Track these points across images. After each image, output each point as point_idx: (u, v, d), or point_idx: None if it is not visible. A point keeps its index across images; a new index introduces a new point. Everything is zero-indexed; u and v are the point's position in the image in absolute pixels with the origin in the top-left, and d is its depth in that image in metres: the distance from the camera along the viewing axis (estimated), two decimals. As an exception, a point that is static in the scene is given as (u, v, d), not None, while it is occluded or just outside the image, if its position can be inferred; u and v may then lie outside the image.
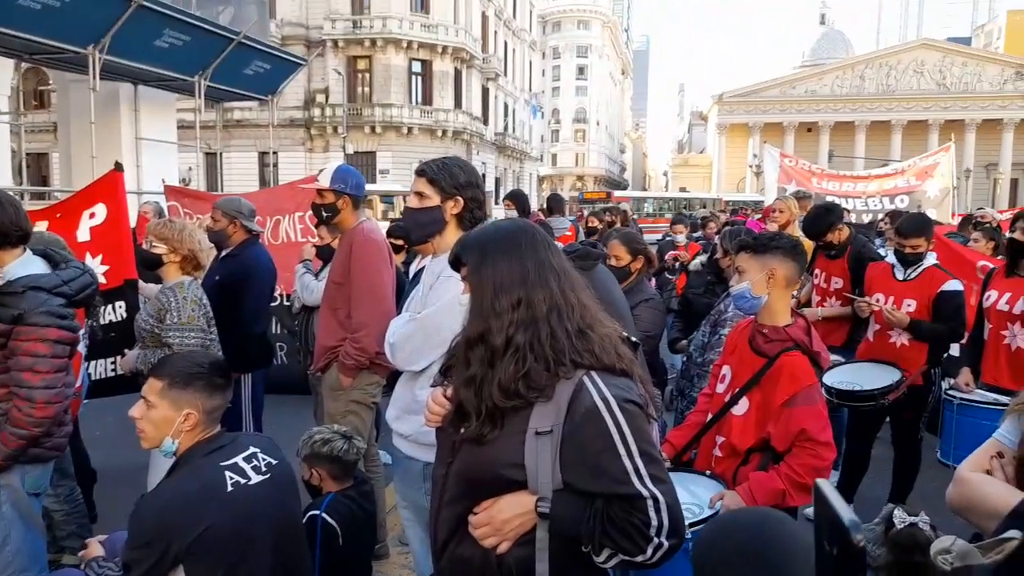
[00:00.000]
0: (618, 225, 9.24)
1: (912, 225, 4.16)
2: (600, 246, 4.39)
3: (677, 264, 6.97)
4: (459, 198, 2.48)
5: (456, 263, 1.68)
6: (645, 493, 1.46)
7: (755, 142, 60.82)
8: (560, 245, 3.79)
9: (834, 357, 4.67)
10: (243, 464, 2.06)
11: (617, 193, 43.71)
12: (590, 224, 8.25)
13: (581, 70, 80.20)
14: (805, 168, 13.82)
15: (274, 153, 26.57)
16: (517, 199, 6.66)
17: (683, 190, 69.50)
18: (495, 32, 47.25)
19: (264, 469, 2.10)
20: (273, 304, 6.01)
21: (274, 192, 8.50)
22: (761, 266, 2.46)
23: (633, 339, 1.79)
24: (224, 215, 4.19)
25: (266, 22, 19.73)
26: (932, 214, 12.36)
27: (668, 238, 8.60)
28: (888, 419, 4.35)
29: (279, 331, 6.73)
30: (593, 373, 1.52)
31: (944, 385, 4.18)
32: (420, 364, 2.31)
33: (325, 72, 37.82)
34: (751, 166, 54.77)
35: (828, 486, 1.36)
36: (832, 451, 2.32)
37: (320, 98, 38.36)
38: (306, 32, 37.97)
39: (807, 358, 2.40)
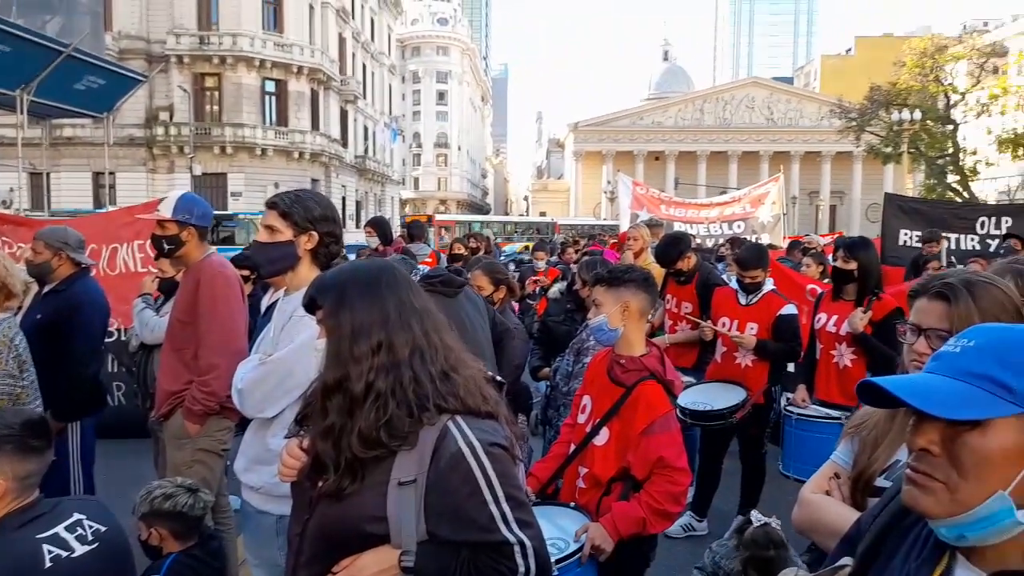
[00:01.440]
0: (481, 252, 9.32)
1: (751, 258, 4.51)
2: (465, 273, 4.39)
3: (538, 290, 7.10)
4: (314, 232, 2.37)
5: (311, 306, 1.59)
6: (512, 539, 1.43)
7: (609, 169, 63.80)
8: (425, 268, 3.73)
9: (686, 379, 4.95)
10: (65, 535, 1.83)
11: (439, 217, 43.34)
12: (454, 250, 8.23)
13: (441, 95, 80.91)
14: (655, 196, 14.71)
15: (111, 174, 24.60)
16: (378, 226, 6.53)
17: (543, 214, 71.51)
18: (353, 54, 46.63)
19: (91, 538, 1.87)
20: (109, 339, 5.51)
21: (111, 217, 7.80)
22: (616, 299, 2.53)
23: (498, 378, 1.77)
24: (47, 247, 3.77)
25: (100, 34, 18.26)
26: (766, 238, 13.47)
27: (528, 264, 8.77)
28: (736, 435, 4.62)
29: (115, 369, 6.16)
30: (458, 418, 1.48)
31: (784, 401, 4.51)
32: (271, 411, 2.16)
33: (169, 89, 35.57)
34: (606, 192, 57.33)
35: None
36: (688, 476, 2.40)
37: (164, 116, 35.99)
38: (147, 46, 35.60)
39: (662, 387, 2.48)
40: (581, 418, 2.67)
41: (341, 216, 3.18)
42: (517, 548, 1.42)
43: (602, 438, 2.52)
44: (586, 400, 2.68)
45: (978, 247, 7.55)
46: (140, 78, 17.50)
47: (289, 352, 2.14)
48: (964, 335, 1.01)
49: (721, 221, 13.60)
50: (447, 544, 1.43)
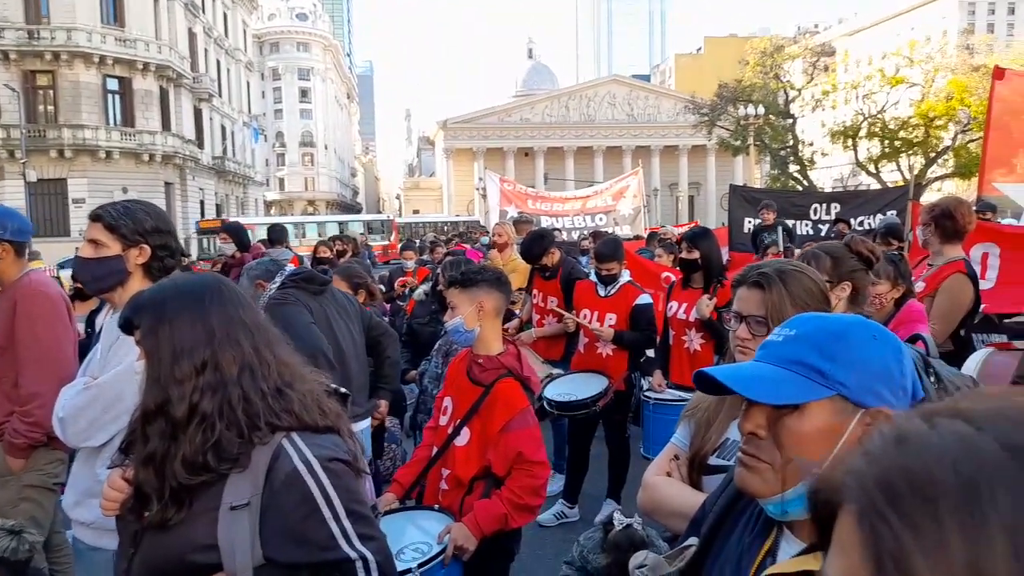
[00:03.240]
0: (349, 255, 9.11)
1: (606, 252, 4.68)
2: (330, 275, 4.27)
3: (406, 290, 7.03)
4: (145, 246, 2.23)
5: (127, 326, 1.48)
6: (353, 555, 1.40)
7: (480, 166, 64.21)
8: (291, 267, 3.59)
9: (555, 371, 5.07)
10: None
11: (244, 220, 37.25)
12: (320, 254, 7.99)
13: (304, 93, 78.23)
14: (522, 191, 15.04)
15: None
16: (233, 232, 6.23)
17: (416, 212, 70.96)
18: (205, 50, 44.13)
19: None
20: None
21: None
22: (470, 300, 2.54)
23: (342, 391, 1.72)
24: None
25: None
26: (628, 230, 14.05)
27: (397, 264, 8.67)
28: (601, 422, 4.79)
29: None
30: (294, 435, 1.43)
31: (645, 385, 4.72)
32: (99, 439, 2.00)
33: (-6, 87, 32.25)
34: (478, 189, 57.76)
35: None
36: (546, 469, 2.45)
37: (-11, 117, 32.62)
38: (-37, 41, 32.10)
39: (519, 383, 2.52)
40: (443, 420, 2.66)
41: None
42: (359, 564, 1.40)
43: (463, 438, 2.53)
44: (447, 402, 2.67)
45: (811, 232, 8.23)
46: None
47: (116, 375, 1.99)
48: (787, 325, 1.09)
49: (584, 214, 14.08)
50: (286, 567, 1.38)
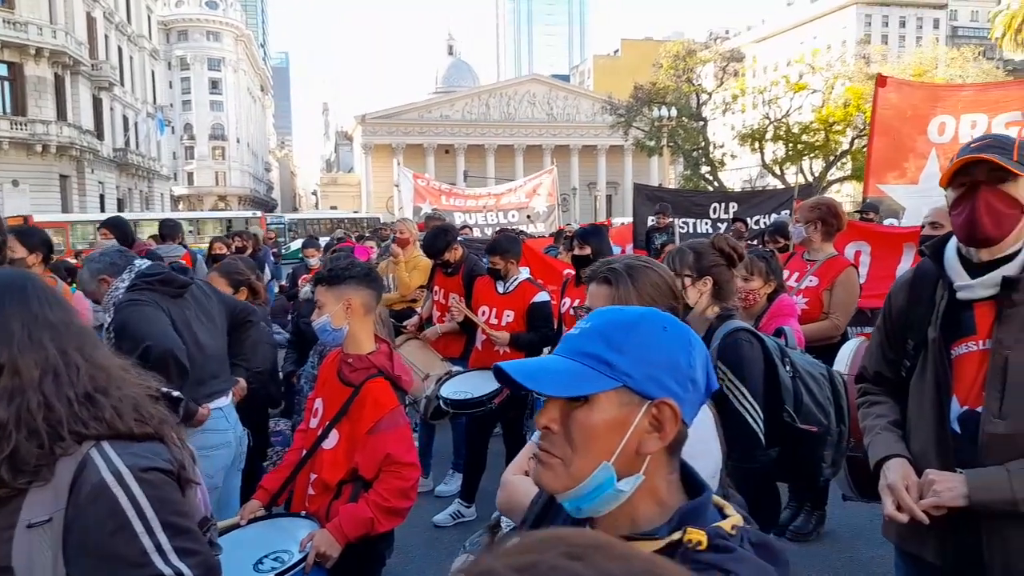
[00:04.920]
0: (249, 251, 8.80)
1: (493, 245, 4.69)
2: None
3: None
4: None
5: None
6: (168, 572, 1.30)
7: (400, 162, 63.41)
8: (143, 263, 3.35)
9: (455, 368, 5.02)
10: None
11: (39, 218, 25.48)
12: (214, 250, 7.67)
13: (215, 83, 75.14)
14: (435, 188, 14.95)
15: None
16: (115, 227, 5.87)
17: (334, 208, 69.47)
18: (105, 36, 41.74)
19: None
20: None
21: None
22: (337, 297, 2.46)
23: (175, 394, 1.62)
24: None
25: None
26: (542, 227, 14.17)
27: (302, 261, 8.42)
28: (499, 419, 4.77)
29: None
30: (104, 444, 1.32)
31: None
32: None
33: None
34: (397, 185, 57.15)
35: None
36: (416, 471, 2.40)
37: None
38: None
39: (389, 383, 2.45)
40: (313, 422, 2.57)
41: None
42: None
43: (331, 441, 2.45)
44: (318, 403, 2.58)
45: (711, 230, 8.49)
46: None
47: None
48: (587, 318, 1.07)
49: (498, 211, 14.12)
50: None
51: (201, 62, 74.08)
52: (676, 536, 0.93)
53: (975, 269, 1.78)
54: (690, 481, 1.05)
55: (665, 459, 1.02)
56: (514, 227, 13.21)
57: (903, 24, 77.16)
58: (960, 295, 1.80)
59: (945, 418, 1.79)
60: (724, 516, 0.99)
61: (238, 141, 78.70)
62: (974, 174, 1.73)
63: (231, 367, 3.36)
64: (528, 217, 13.88)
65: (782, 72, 38.93)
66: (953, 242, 1.85)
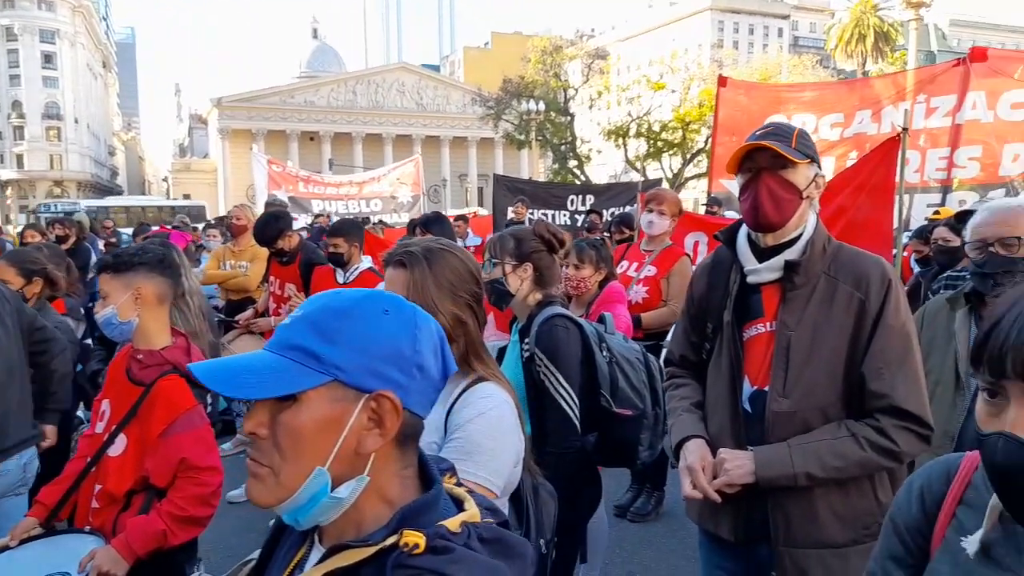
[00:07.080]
0: (72, 241, 8.04)
1: (337, 228, 4.53)
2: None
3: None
4: None
5: None
6: None
7: (261, 148, 60.58)
8: None
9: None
10: None
11: None
12: (27, 239, 6.90)
13: (48, 58, 68.26)
14: (292, 174, 14.34)
15: None
16: None
17: (187, 196, 65.28)
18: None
19: None
20: None
21: None
22: (125, 286, 2.21)
23: None
24: None
25: None
26: (406, 217, 13.97)
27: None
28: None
29: None
30: None
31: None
32: None
33: None
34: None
35: None
36: (217, 475, 2.20)
37: None
38: None
39: (185, 380, 2.24)
40: (99, 427, 2.30)
41: None
42: None
43: (118, 447, 2.20)
44: (105, 405, 2.31)
45: (568, 222, 8.66)
46: None
47: None
48: (300, 306, 0.96)
49: (360, 199, 13.77)
50: None
51: (32, 33, 67.12)
52: (392, 540, 0.84)
53: (762, 254, 1.85)
54: (425, 475, 0.97)
55: (395, 455, 0.92)
56: (376, 216, 12.91)
57: (752, 31, 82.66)
58: (749, 279, 1.87)
59: (738, 398, 1.85)
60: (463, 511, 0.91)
61: (76, 121, 72.03)
62: (757, 161, 1.81)
63: (39, 411, 2.96)
64: (393, 208, 13.63)
65: (644, 71, 40.52)
66: (745, 228, 1.92)
